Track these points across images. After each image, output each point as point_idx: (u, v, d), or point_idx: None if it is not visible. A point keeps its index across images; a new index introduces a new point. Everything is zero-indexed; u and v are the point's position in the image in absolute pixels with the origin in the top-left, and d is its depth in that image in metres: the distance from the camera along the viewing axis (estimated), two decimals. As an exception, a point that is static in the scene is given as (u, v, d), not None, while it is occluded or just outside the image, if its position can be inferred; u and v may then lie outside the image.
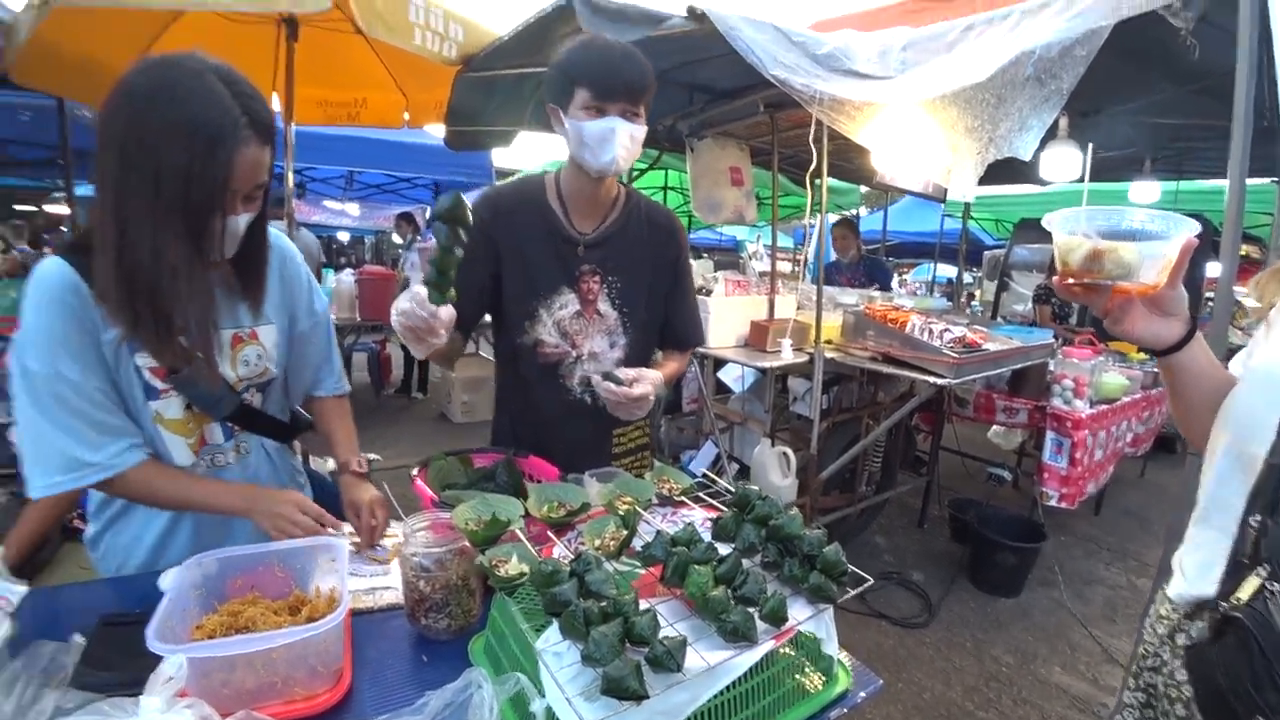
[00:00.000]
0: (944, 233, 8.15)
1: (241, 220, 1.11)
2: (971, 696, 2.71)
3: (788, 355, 3.01)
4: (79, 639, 0.97)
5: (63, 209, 5.55)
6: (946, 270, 12.29)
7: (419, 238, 6.76)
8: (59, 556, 1.80)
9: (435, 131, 4.33)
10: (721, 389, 3.84)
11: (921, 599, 3.39)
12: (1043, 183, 6.18)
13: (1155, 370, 4.45)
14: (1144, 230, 0.88)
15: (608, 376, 1.34)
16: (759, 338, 3.10)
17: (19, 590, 0.95)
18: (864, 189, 7.08)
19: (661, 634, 0.80)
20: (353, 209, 9.80)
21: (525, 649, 0.85)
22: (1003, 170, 5.13)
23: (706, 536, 1.04)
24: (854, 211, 8.15)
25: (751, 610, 0.86)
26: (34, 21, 2.57)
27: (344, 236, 10.81)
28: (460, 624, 1.07)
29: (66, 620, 1.04)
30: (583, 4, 2.27)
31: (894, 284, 5.16)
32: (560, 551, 1.00)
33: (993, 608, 3.38)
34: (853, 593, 0.98)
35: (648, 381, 1.35)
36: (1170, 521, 2.40)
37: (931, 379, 2.79)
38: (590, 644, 0.74)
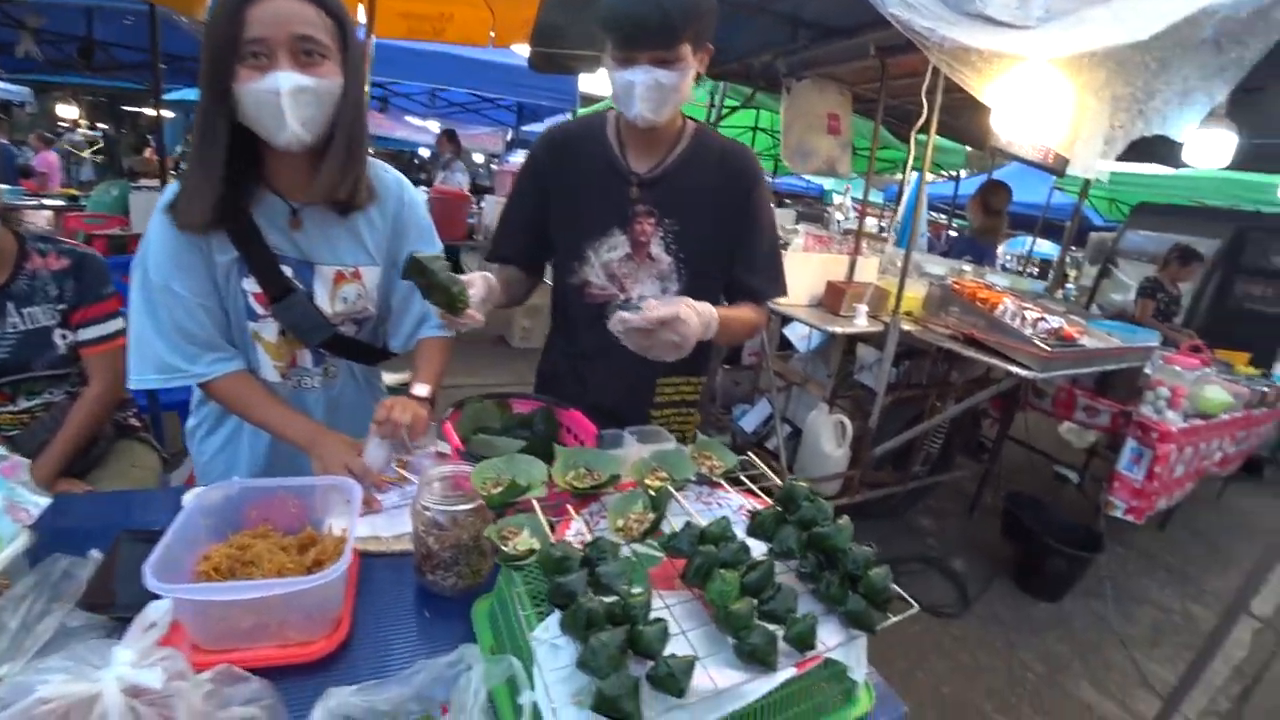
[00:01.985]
0: (1050, 206, 7.52)
1: (282, 79, 1.05)
2: (992, 698, 2.63)
3: (861, 323, 2.83)
4: (95, 554, 0.96)
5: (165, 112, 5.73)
6: (1045, 248, 11.42)
7: (455, 159, 6.65)
8: (114, 452, 1.84)
9: (521, 51, 4.15)
10: (785, 345, 3.68)
11: (958, 589, 3.27)
12: (1178, 165, 5.58)
13: (1264, 388, 4.05)
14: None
15: (623, 306, 1.14)
16: (834, 300, 2.92)
17: (40, 502, 0.94)
18: (970, 150, 6.52)
19: (670, 647, 0.72)
20: (434, 126, 9.66)
21: (523, 632, 0.79)
22: (1135, 146, 4.62)
23: (741, 527, 0.96)
24: (958, 173, 7.52)
25: (776, 630, 0.78)
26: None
27: (425, 153, 10.81)
28: (468, 583, 1.03)
29: (91, 531, 1.04)
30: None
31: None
32: (578, 527, 0.93)
33: (1031, 610, 3.24)
34: (894, 620, 0.88)
35: (680, 304, 1.14)
36: (1260, 560, 2.19)
37: (1016, 369, 2.58)
38: (588, 650, 0.68)
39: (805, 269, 3.03)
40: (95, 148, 11.30)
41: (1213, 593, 3.70)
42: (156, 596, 0.76)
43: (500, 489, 0.96)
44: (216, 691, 0.72)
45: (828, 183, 12.39)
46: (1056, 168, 3.81)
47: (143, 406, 2.09)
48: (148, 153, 9.29)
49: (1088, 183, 4.83)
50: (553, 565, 0.78)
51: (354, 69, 1.16)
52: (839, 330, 2.76)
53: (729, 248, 1.47)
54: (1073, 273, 10.18)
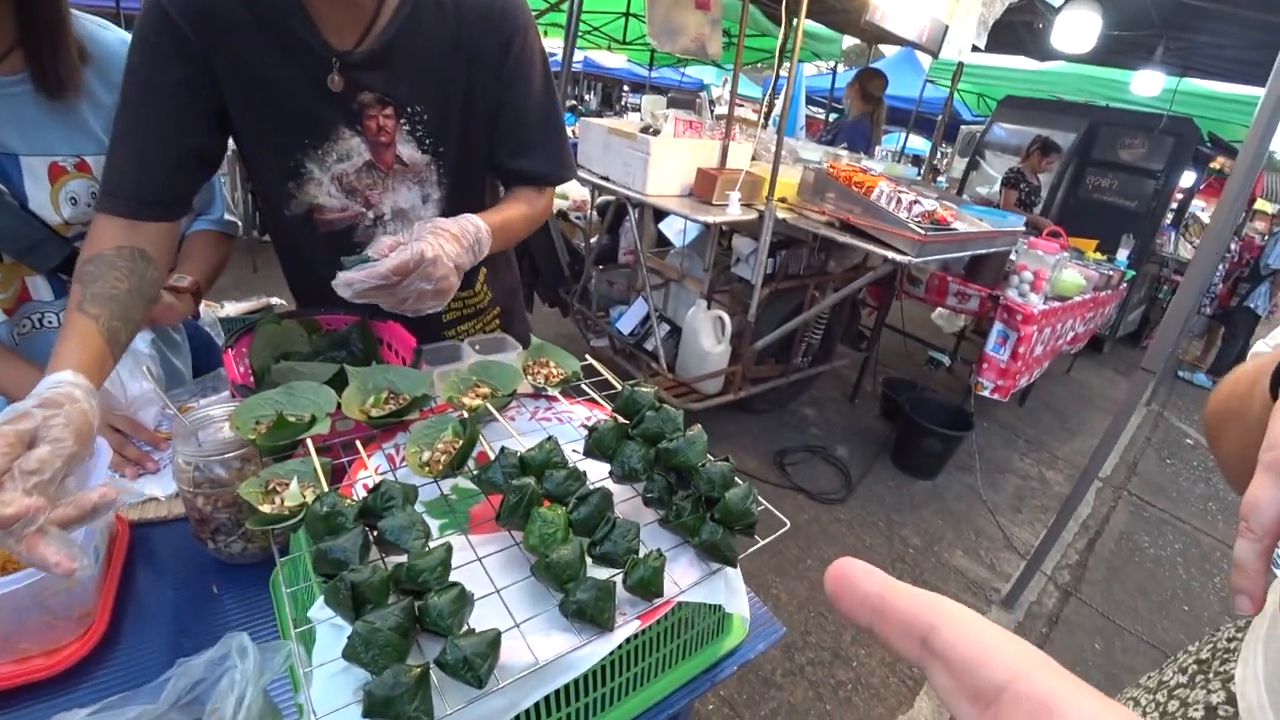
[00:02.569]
0: (923, 100, 7.57)
1: None
2: (874, 577, 2.72)
3: (734, 211, 2.66)
4: None
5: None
6: (917, 144, 11.65)
7: None
8: None
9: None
10: (662, 241, 3.48)
11: (842, 475, 3.35)
12: (1044, 57, 5.69)
13: (1109, 272, 4.32)
14: None
15: (345, 263, 0.82)
16: (705, 188, 2.72)
17: None
18: (847, 42, 6.35)
19: (481, 613, 0.53)
20: None
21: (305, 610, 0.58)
22: (1004, 36, 4.60)
23: (580, 447, 0.77)
24: (836, 65, 7.40)
25: (613, 577, 0.60)
26: None
27: None
28: (262, 544, 0.81)
29: None
30: None
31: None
32: (378, 465, 0.71)
33: (909, 489, 3.38)
34: (762, 543, 0.72)
35: (423, 239, 0.84)
36: (1108, 431, 2.30)
37: (892, 254, 2.51)
38: (355, 638, 0.48)
39: (676, 156, 2.80)
40: None
41: (1064, 459, 4.02)
42: None
43: (268, 431, 0.72)
44: None
45: (707, 76, 11.99)
46: (930, 47, 3.72)
47: None
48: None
49: (960, 70, 4.80)
50: (320, 524, 0.57)
51: None
52: (712, 220, 2.58)
53: (490, 120, 1.09)
54: (941, 165, 10.52)
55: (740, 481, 0.71)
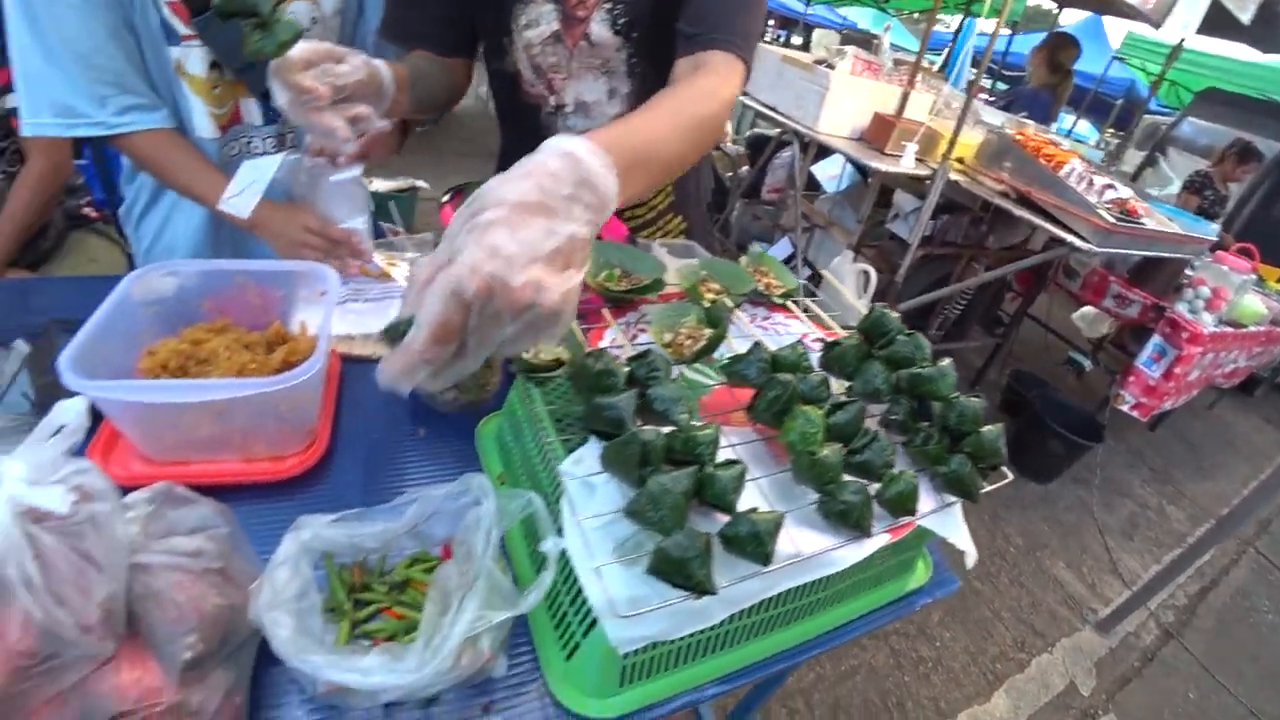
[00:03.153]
0: (1105, 80, 6.83)
1: None
2: (974, 566, 2.64)
3: (908, 163, 2.50)
4: (21, 345, 0.79)
5: None
6: (1081, 129, 10.54)
7: None
8: (67, 246, 1.61)
9: None
10: (812, 185, 3.33)
11: (949, 460, 3.23)
12: (1268, 49, 4.97)
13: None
14: None
15: (389, 330, 0.48)
16: (881, 134, 2.56)
17: None
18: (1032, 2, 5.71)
19: (744, 497, 0.52)
20: None
21: (546, 464, 0.59)
22: (1222, 18, 4.00)
23: (812, 360, 0.74)
24: (1014, 26, 6.73)
25: (869, 487, 0.58)
26: None
27: None
28: (471, 398, 0.83)
29: (20, 320, 0.86)
30: None
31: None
32: (613, 337, 0.71)
33: (1020, 488, 3.23)
34: (989, 488, 0.69)
35: (461, 260, 0.42)
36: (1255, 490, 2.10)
37: (1072, 238, 2.31)
38: (646, 496, 0.47)
39: (851, 95, 2.63)
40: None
41: (1190, 497, 3.72)
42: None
43: None
44: (159, 514, 0.54)
45: (863, 20, 11.18)
46: (1153, 18, 3.30)
47: (100, 199, 1.81)
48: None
49: (1177, 50, 4.21)
50: (591, 380, 0.57)
51: None
52: (883, 168, 2.43)
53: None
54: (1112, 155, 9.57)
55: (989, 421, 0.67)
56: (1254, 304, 3.34)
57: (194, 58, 0.99)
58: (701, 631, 0.52)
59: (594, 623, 0.51)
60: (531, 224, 0.41)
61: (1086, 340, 4.16)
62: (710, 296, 0.77)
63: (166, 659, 0.49)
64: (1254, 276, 3.36)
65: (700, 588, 0.45)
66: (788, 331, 0.85)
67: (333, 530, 0.58)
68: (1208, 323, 3.06)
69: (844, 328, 0.82)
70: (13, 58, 0.93)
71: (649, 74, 0.99)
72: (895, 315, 0.75)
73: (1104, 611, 2.65)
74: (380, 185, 3.53)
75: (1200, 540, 2.31)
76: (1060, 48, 4.21)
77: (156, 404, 0.66)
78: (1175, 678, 2.50)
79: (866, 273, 2.78)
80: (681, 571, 0.45)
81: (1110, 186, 2.41)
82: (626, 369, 0.59)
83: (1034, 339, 4.43)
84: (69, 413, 0.49)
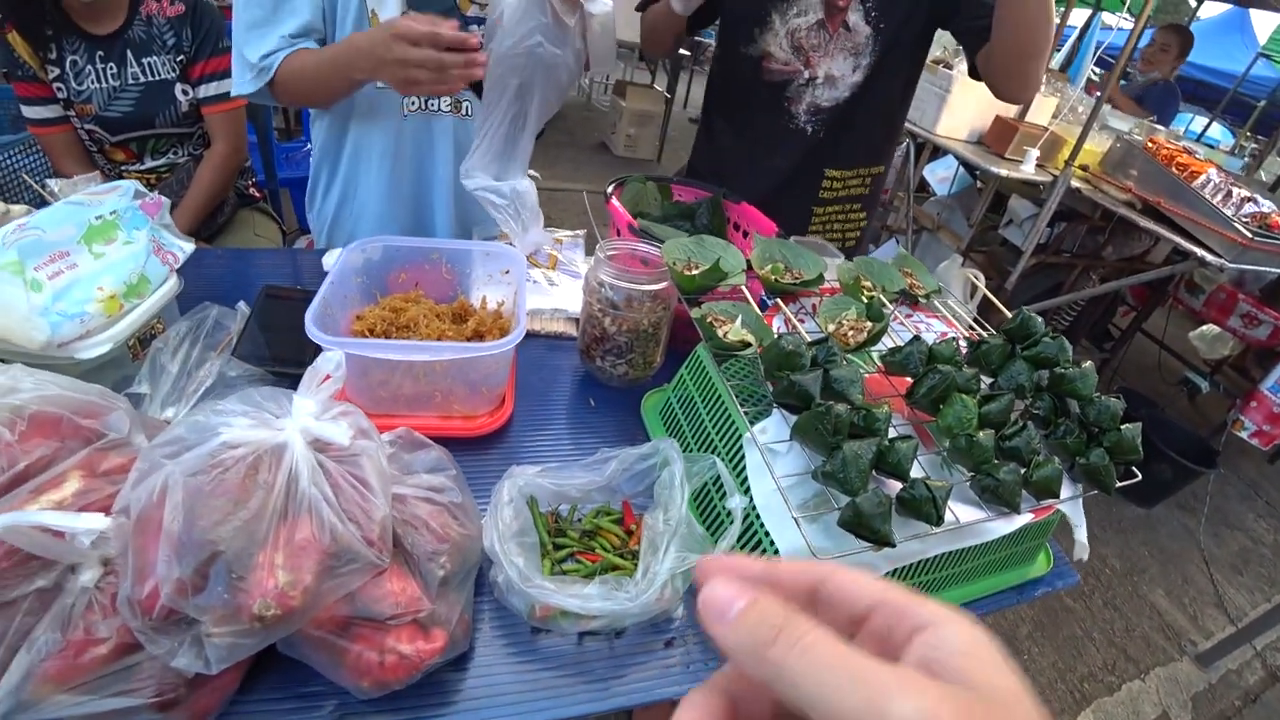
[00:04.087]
0: (1248, 79, 6.33)
1: None
2: (1062, 583, 2.59)
3: (1029, 169, 2.45)
4: (244, 306, 0.91)
5: None
6: (1212, 133, 9.81)
7: None
8: (235, 221, 1.79)
9: None
10: (921, 187, 3.29)
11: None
12: None
13: None
14: None
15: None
16: (1001, 138, 2.52)
17: (186, 248, 0.87)
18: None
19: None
20: None
21: (727, 431, 0.68)
22: None
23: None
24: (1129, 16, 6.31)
25: (1018, 470, 0.64)
26: None
27: None
28: (639, 374, 0.93)
29: (231, 285, 1.01)
30: None
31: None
32: (780, 326, 0.79)
33: (1120, 510, 3.11)
34: (1119, 485, 0.73)
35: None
36: None
37: (1203, 253, 2.22)
38: (839, 460, 0.56)
39: (970, 96, 2.60)
40: None
41: (1309, 534, 3.49)
42: (313, 354, 0.65)
43: (698, 271, 0.82)
44: (397, 455, 0.64)
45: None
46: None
47: (260, 181, 2.04)
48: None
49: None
50: (783, 359, 0.65)
51: None
52: (1004, 173, 2.40)
53: (928, 13, 1.26)
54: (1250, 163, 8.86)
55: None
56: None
57: (388, 5, 1.04)
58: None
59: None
60: None
61: (1204, 361, 3.94)
62: (868, 293, 0.84)
63: (425, 575, 0.57)
64: None
65: (884, 540, 0.53)
66: (930, 329, 0.91)
67: (542, 479, 0.68)
68: (1348, 350, 2.87)
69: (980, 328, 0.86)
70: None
71: (884, 52, 1.26)
72: (1039, 318, 0.80)
73: (1205, 645, 2.54)
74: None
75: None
76: (1181, 34, 3.97)
77: (377, 359, 0.76)
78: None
79: (975, 278, 2.76)
80: (869, 525, 0.53)
81: (1251, 200, 2.29)
82: (811, 352, 0.67)
83: (1145, 357, 4.21)
84: (330, 363, 0.60)
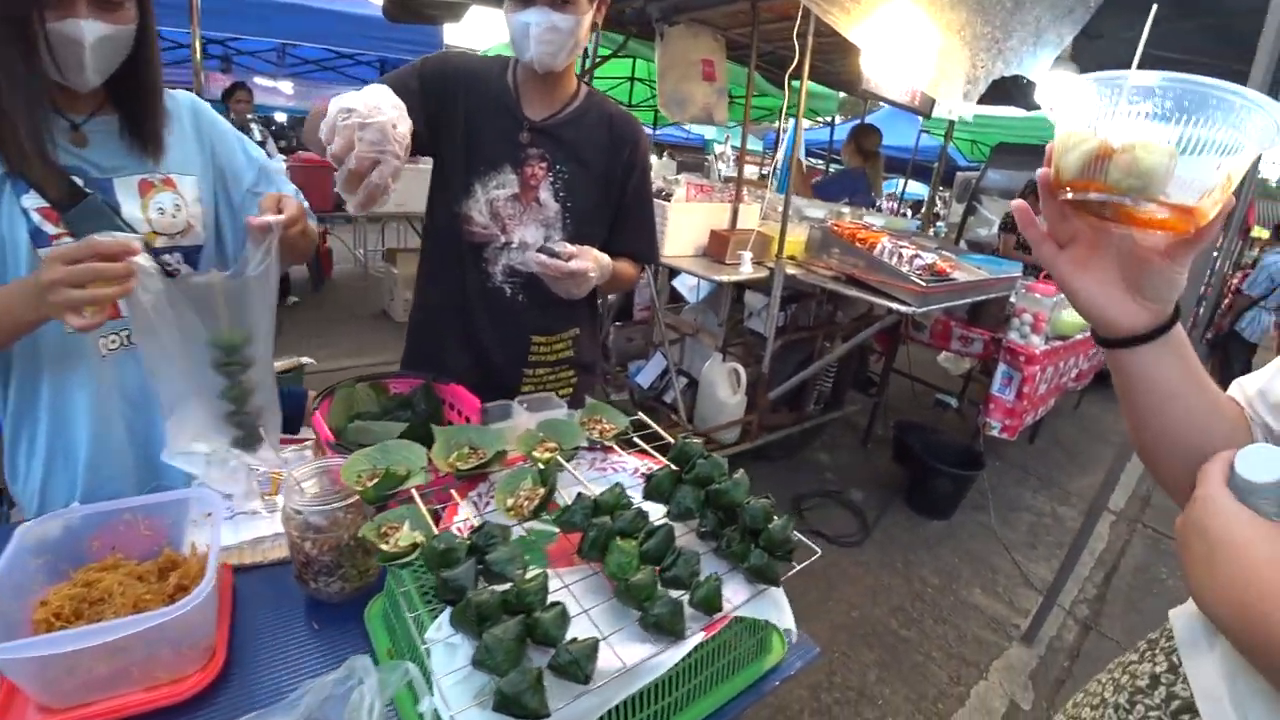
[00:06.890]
0: (919, 149, 7.89)
1: (85, 28, 0.93)
2: (896, 615, 2.80)
3: (747, 269, 2.85)
4: None
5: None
6: (915, 189, 12.06)
7: (252, 113, 5.77)
8: None
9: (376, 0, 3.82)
10: (675, 298, 3.68)
11: (858, 518, 3.45)
12: (1031, 107, 5.96)
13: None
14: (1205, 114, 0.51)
15: (543, 249, 1.31)
16: (718, 248, 2.92)
17: None
18: (843, 96, 6.70)
19: (573, 628, 0.67)
20: (286, 87, 8.78)
21: (420, 634, 0.72)
22: (992, 91, 4.85)
23: (638, 491, 0.92)
24: (833, 118, 7.72)
25: (681, 596, 0.74)
26: None
27: (281, 118, 9.72)
28: (356, 585, 0.94)
29: None
30: None
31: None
32: (466, 512, 0.86)
33: (924, 529, 3.47)
34: (797, 568, 0.86)
35: (589, 257, 1.32)
36: (1113, 462, 2.43)
37: (895, 305, 2.68)
38: (482, 647, 0.62)
39: (689, 219, 3.01)
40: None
41: (1076, 494, 4.10)
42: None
43: (375, 481, 0.88)
44: None
45: (709, 132, 12.43)
46: (923, 109, 3.97)
47: None
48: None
49: (952, 124, 5.09)
50: (437, 559, 0.71)
51: (148, 5, 1.03)
52: (725, 278, 2.77)
53: (611, 208, 1.51)
54: (943, 211, 10.82)
55: (778, 516, 0.86)
56: (1072, 317, 3.84)
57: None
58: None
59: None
60: (600, 267, 1.37)
61: (957, 378, 4.63)
62: (545, 456, 0.94)
63: None
64: (1061, 296, 3.91)
65: (536, 715, 0.59)
66: (623, 468, 1.03)
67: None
68: (1038, 343, 3.51)
69: (697, 434, 0.98)
70: None
71: (576, 227, 1.44)
72: (696, 442, 0.94)
73: (1025, 624, 2.85)
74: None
75: (1081, 528, 2.58)
76: (864, 136, 4.92)
77: (52, 655, 0.69)
78: (1101, 666, 2.67)
79: (736, 370, 3.09)
80: (519, 704, 0.58)
81: (917, 256, 2.82)
82: (468, 541, 0.74)
83: (906, 390, 4.85)
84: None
